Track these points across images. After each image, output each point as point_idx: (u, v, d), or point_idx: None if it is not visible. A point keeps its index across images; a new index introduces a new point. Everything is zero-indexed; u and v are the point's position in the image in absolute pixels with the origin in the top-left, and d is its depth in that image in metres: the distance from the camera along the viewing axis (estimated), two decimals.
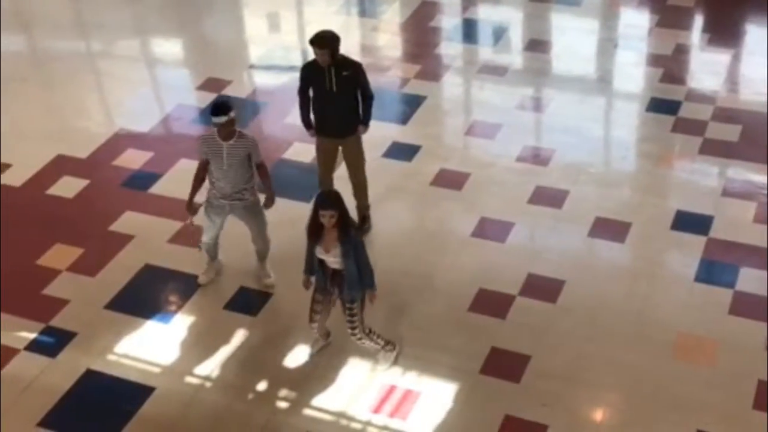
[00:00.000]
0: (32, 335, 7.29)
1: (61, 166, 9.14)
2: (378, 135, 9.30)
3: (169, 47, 11.49)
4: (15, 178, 9.00)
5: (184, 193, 7.87)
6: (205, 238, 7.48)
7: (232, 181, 7.08)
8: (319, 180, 8.02)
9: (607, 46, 10.76)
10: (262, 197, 7.38)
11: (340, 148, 7.83)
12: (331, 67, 7.36)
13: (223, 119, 6.86)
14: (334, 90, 7.44)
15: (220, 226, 7.41)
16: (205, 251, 7.57)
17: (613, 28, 11.14)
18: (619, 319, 7.20)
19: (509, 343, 7.03)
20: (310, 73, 7.54)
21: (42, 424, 6.60)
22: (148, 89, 10.58)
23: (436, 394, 6.69)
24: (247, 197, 7.22)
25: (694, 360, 6.85)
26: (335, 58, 7.34)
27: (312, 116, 7.75)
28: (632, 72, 10.28)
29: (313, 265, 6.50)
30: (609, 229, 8.04)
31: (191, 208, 7.28)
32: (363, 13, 11.63)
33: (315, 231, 6.29)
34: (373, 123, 9.58)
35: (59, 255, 8.05)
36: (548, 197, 8.42)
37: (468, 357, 6.93)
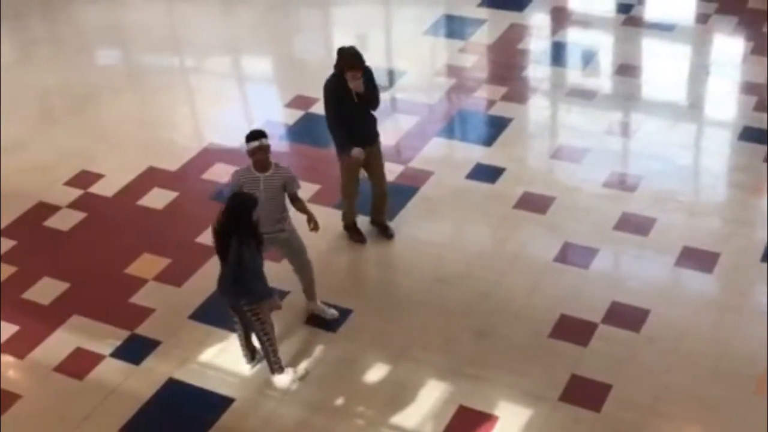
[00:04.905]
0: (118, 342, 7.46)
1: (151, 177, 9.35)
2: (462, 156, 9.33)
3: (259, 64, 11.69)
4: (107, 188, 9.25)
5: None
6: None
7: (268, 214, 6.97)
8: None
9: (700, 72, 10.56)
10: None
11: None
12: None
13: (261, 142, 6.83)
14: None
15: None
16: None
17: (706, 54, 10.94)
18: (704, 351, 7.03)
19: (590, 371, 6.92)
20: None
21: (124, 430, 6.74)
22: (237, 105, 10.78)
23: (514, 420, 6.62)
24: (284, 228, 7.14)
25: None
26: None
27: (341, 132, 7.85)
28: (725, 99, 10.07)
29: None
30: (696, 259, 7.87)
31: None
32: (451, 34, 11.65)
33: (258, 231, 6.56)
34: (457, 144, 9.69)
35: (147, 264, 8.23)
36: (634, 224, 8.29)
37: (547, 383, 6.85)
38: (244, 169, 7.05)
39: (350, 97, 7.60)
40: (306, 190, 8.85)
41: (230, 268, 6.55)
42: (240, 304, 6.67)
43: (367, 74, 7.67)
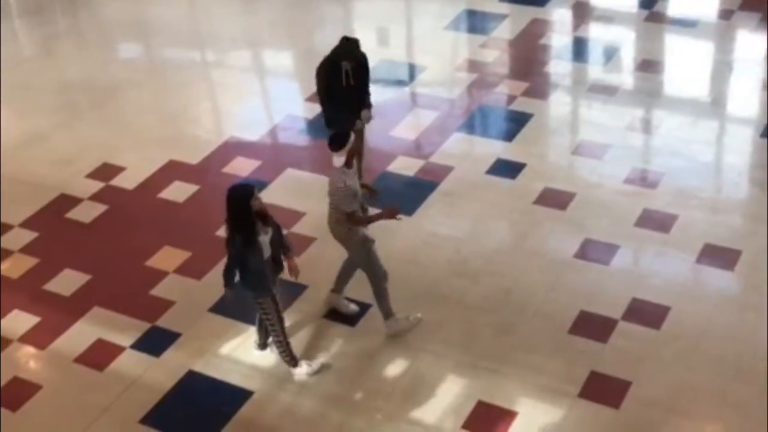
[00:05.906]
0: (138, 334, 7.50)
1: (172, 171, 9.39)
2: (482, 151, 9.32)
3: (280, 59, 11.71)
4: (128, 181, 9.29)
5: (289, 202, 8.01)
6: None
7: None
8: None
9: (722, 68, 10.50)
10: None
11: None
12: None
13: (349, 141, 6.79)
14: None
15: None
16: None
17: (729, 51, 10.86)
18: (725, 349, 6.99)
19: (610, 368, 6.90)
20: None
21: (143, 421, 6.78)
22: (258, 99, 10.80)
23: (533, 415, 6.61)
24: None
25: None
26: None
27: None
28: (747, 96, 9.99)
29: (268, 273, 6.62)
30: (718, 256, 7.83)
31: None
32: (472, 29, 11.62)
33: (253, 226, 6.39)
34: (477, 139, 9.63)
35: (167, 257, 8.26)
36: (656, 221, 8.25)
37: (567, 379, 6.83)
38: (347, 180, 6.81)
39: (342, 79, 8.04)
40: (325, 184, 8.88)
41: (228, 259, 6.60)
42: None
43: (363, 62, 8.12)
